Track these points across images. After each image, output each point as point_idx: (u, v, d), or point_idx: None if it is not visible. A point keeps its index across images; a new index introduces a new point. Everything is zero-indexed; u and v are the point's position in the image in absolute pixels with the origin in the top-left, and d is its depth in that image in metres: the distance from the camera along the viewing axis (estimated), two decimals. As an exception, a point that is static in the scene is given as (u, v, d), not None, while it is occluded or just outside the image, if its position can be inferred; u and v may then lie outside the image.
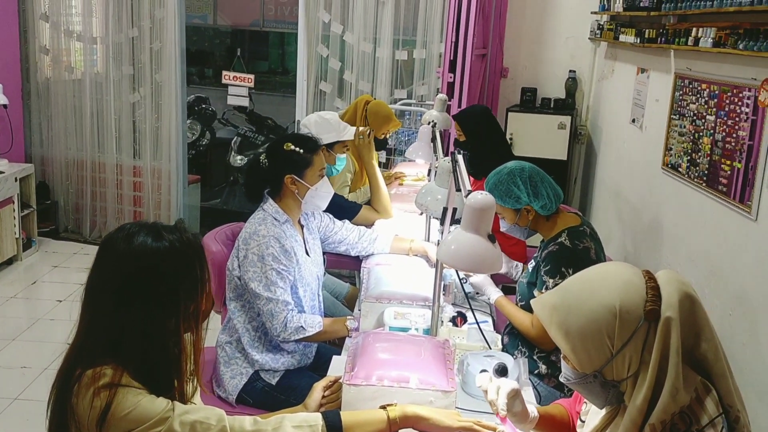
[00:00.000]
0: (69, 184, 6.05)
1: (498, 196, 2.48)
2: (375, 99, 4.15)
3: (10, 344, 4.17)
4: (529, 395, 2.14)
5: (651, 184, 3.67)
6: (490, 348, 2.30)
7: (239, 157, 7.11)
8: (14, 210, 5.23)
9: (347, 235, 3.01)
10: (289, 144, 2.67)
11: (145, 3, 5.55)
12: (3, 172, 5.13)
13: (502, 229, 2.63)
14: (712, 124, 2.94)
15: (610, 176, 4.66)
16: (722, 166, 2.82)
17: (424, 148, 3.59)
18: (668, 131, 3.42)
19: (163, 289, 1.47)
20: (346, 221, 3.09)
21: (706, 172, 2.98)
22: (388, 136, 4.13)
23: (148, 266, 1.47)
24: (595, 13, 4.69)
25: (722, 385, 1.32)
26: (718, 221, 2.86)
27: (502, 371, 1.80)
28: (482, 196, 1.74)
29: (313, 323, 2.55)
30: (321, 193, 2.73)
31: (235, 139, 7.30)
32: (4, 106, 5.42)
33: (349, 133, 3.55)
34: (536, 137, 4.91)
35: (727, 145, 2.80)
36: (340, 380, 1.88)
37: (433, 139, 3.48)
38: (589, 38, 5.06)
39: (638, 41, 3.76)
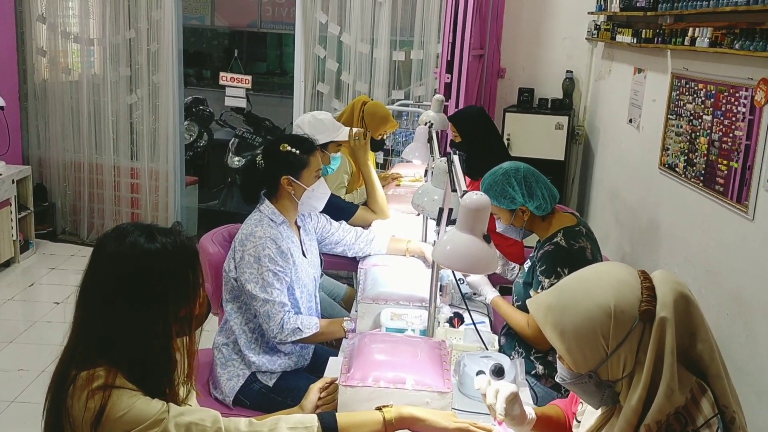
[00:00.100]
0: (66, 186, 6.05)
1: (493, 197, 2.48)
2: (372, 100, 4.14)
3: (7, 347, 4.16)
4: (526, 396, 2.14)
5: (648, 184, 3.67)
6: (487, 349, 2.29)
7: (237, 159, 7.10)
8: (11, 212, 5.22)
9: (344, 236, 3.01)
10: (286, 145, 2.66)
11: (142, 4, 5.55)
12: (0, 174, 5.12)
13: (498, 230, 2.62)
14: (709, 124, 2.94)
15: (607, 176, 4.66)
16: (719, 165, 2.82)
17: (421, 149, 3.58)
18: (665, 131, 3.42)
19: (152, 292, 1.46)
20: (343, 222, 3.09)
21: (702, 171, 2.98)
22: (385, 137, 4.13)
23: (138, 267, 1.46)
24: (592, 13, 4.70)
25: (718, 386, 1.32)
26: (715, 221, 2.86)
27: (498, 372, 1.80)
28: (477, 197, 1.74)
29: (310, 324, 2.54)
30: (317, 194, 2.72)
31: (232, 140, 7.29)
32: (1, 108, 5.42)
33: (343, 133, 3.55)
34: (533, 138, 4.91)
35: (723, 145, 2.80)
36: (337, 381, 1.88)
37: (430, 140, 3.47)
38: (586, 38, 5.06)
39: (635, 41, 3.76)
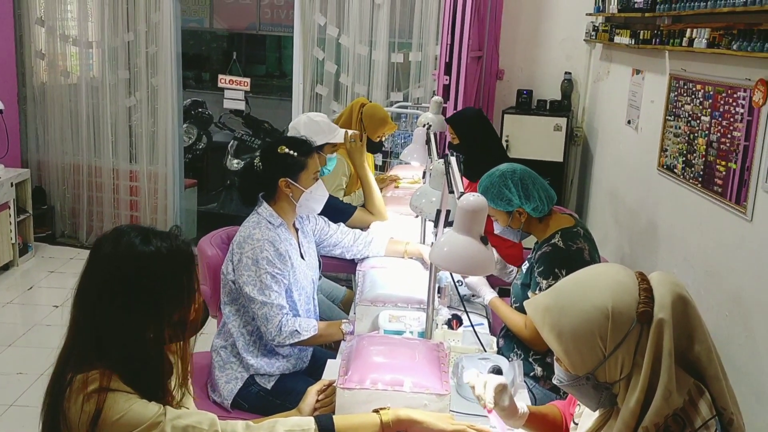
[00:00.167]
0: (65, 189, 6.05)
1: (490, 199, 2.48)
2: (370, 102, 4.14)
3: (6, 350, 4.16)
4: (524, 398, 2.14)
5: (647, 185, 3.67)
6: (485, 351, 2.29)
7: (236, 161, 7.10)
8: (10, 215, 5.22)
9: (342, 238, 3.00)
10: (283, 147, 2.66)
11: (141, 7, 5.55)
12: (-1, 177, 5.13)
13: (495, 232, 2.62)
14: (707, 125, 2.93)
15: (606, 178, 4.65)
16: (717, 166, 2.82)
17: (419, 151, 3.58)
18: (663, 132, 3.42)
19: (144, 295, 1.46)
20: (341, 224, 3.08)
21: (701, 173, 2.97)
22: (383, 139, 4.13)
23: (131, 269, 1.46)
24: (590, 14, 4.70)
25: (716, 387, 1.31)
26: (713, 222, 2.86)
27: (496, 374, 1.79)
28: (474, 198, 1.74)
29: (308, 327, 2.54)
30: (316, 196, 2.71)
31: (231, 142, 7.29)
32: (0, 111, 5.41)
33: (338, 135, 3.55)
34: (532, 139, 4.91)
35: (722, 146, 2.80)
36: (334, 384, 1.87)
37: (428, 142, 3.47)
38: (584, 40, 5.06)
39: (633, 42, 3.76)
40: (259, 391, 2.60)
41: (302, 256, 2.73)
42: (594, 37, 4.69)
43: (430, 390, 1.80)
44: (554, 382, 1.47)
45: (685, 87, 3.18)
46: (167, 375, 1.53)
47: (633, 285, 1.34)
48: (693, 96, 3.09)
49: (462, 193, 1.79)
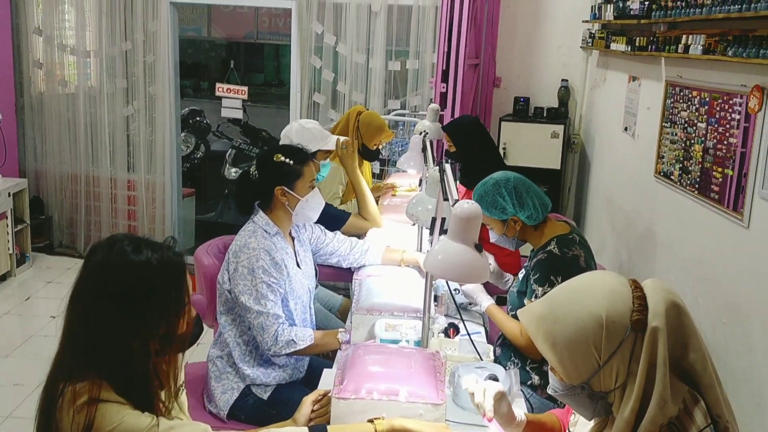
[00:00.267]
0: (63, 199, 6.04)
1: (484, 208, 2.47)
2: (367, 110, 4.14)
3: (3, 361, 4.15)
4: (521, 406, 2.13)
5: (644, 192, 3.66)
6: (482, 359, 2.28)
7: (234, 170, 7.11)
8: (8, 225, 5.21)
9: (338, 247, 2.99)
10: (279, 155, 2.66)
11: (139, 16, 5.56)
12: (-4, 188, 5.12)
13: (491, 240, 2.62)
14: (703, 132, 2.93)
15: (603, 185, 4.65)
16: (714, 173, 2.81)
17: (416, 158, 3.58)
18: (660, 139, 3.41)
19: (132, 304, 1.44)
20: (338, 233, 3.07)
21: (698, 179, 2.97)
22: (380, 147, 4.12)
23: (119, 278, 1.45)
24: (587, 21, 4.70)
25: (711, 396, 1.30)
26: (710, 229, 2.85)
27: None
28: (468, 206, 1.73)
29: (304, 336, 2.53)
30: (312, 204, 2.71)
31: (229, 151, 7.29)
32: (-2, 120, 5.43)
33: (330, 141, 3.55)
34: (529, 146, 4.90)
35: (718, 153, 2.79)
36: (330, 394, 1.86)
37: (424, 149, 3.47)
38: (580, 47, 5.07)
39: (629, 49, 3.76)
40: (256, 402, 2.58)
41: (298, 265, 2.72)
42: (590, 45, 4.70)
43: (426, 399, 1.79)
44: (549, 391, 1.46)
45: (681, 93, 3.18)
46: (160, 386, 1.52)
47: (627, 293, 1.33)
48: (689, 102, 3.09)
49: (456, 201, 1.78)
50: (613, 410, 1.36)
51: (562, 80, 5.17)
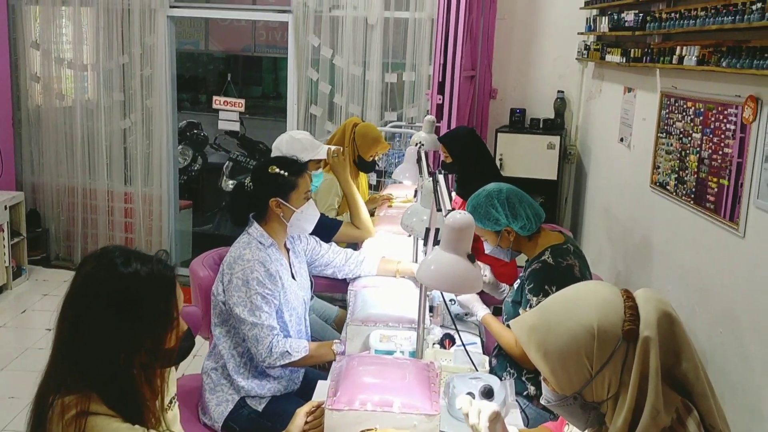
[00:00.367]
0: (60, 212, 6.02)
1: (478, 219, 2.47)
2: (363, 121, 4.15)
3: (-2, 374, 4.13)
4: (516, 418, 2.12)
5: (640, 202, 3.66)
6: (477, 370, 2.27)
7: (231, 182, 7.10)
8: (4, 238, 5.20)
9: (334, 258, 2.99)
10: (274, 167, 2.66)
11: (136, 30, 5.57)
12: (-7, 200, 5.12)
13: (486, 252, 2.61)
14: (699, 142, 2.94)
15: (600, 195, 4.65)
16: (709, 183, 2.81)
17: (411, 170, 3.58)
18: (656, 149, 3.42)
19: (119, 315, 1.43)
20: (333, 244, 3.07)
21: (693, 189, 2.97)
22: (377, 158, 4.13)
23: (109, 289, 1.44)
24: (582, 33, 4.72)
25: (704, 405, 1.29)
26: (706, 239, 2.85)
27: (488, 394, 1.78)
28: (460, 216, 1.73)
29: (299, 348, 2.51)
30: (307, 215, 2.70)
31: (226, 163, 7.30)
32: (-5, 133, 5.43)
33: (322, 151, 3.55)
34: (526, 157, 4.91)
35: (713, 163, 2.80)
36: (323, 405, 1.85)
37: (419, 160, 3.47)
38: (576, 59, 5.08)
39: (624, 61, 3.77)
40: (250, 414, 2.57)
41: (293, 277, 2.72)
42: (586, 56, 4.71)
43: (420, 410, 1.78)
44: (542, 402, 1.45)
45: (676, 104, 3.19)
46: (150, 398, 1.51)
47: (618, 303, 1.33)
48: (684, 113, 3.10)
49: (449, 211, 1.78)
50: (606, 420, 1.35)
51: (558, 91, 5.19)
